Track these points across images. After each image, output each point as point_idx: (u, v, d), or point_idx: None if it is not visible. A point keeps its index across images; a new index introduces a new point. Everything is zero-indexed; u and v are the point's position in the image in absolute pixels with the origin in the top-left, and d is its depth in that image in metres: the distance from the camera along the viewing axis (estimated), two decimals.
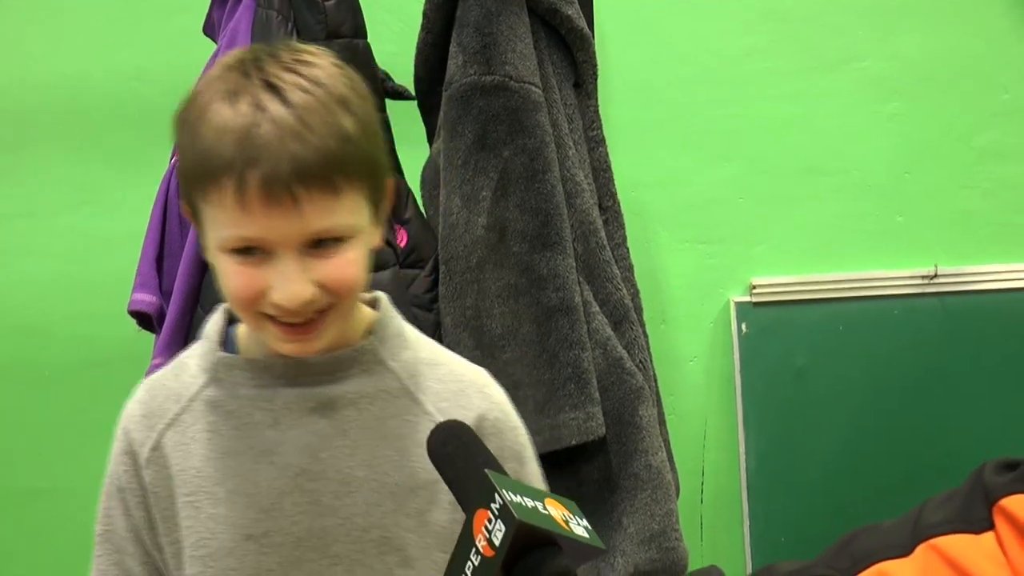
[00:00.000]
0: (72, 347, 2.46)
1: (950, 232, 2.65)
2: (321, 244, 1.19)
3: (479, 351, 2.00)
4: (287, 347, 1.24)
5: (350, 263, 1.21)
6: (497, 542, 0.90)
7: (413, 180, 2.17)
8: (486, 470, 0.96)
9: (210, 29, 2.18)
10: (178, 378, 1.33)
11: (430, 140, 2.21)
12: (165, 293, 2.04)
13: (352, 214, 1.21)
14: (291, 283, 1.17)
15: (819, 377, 2.64)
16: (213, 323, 1.35)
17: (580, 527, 0.95)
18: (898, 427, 2.62)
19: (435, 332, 2.05)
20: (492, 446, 1.32)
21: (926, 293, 2.63)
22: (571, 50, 2.13)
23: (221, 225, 1.18)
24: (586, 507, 2.05)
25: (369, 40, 2.08)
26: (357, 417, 1.29)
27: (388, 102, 2.15)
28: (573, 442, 2.00)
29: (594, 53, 2.17)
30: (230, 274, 1.20)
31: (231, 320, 1.36)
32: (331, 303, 1.21)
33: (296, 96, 1.17)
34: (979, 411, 2.62)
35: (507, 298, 2.00)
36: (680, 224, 2.66)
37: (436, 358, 1.37)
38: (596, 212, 2.11)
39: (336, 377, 1.29)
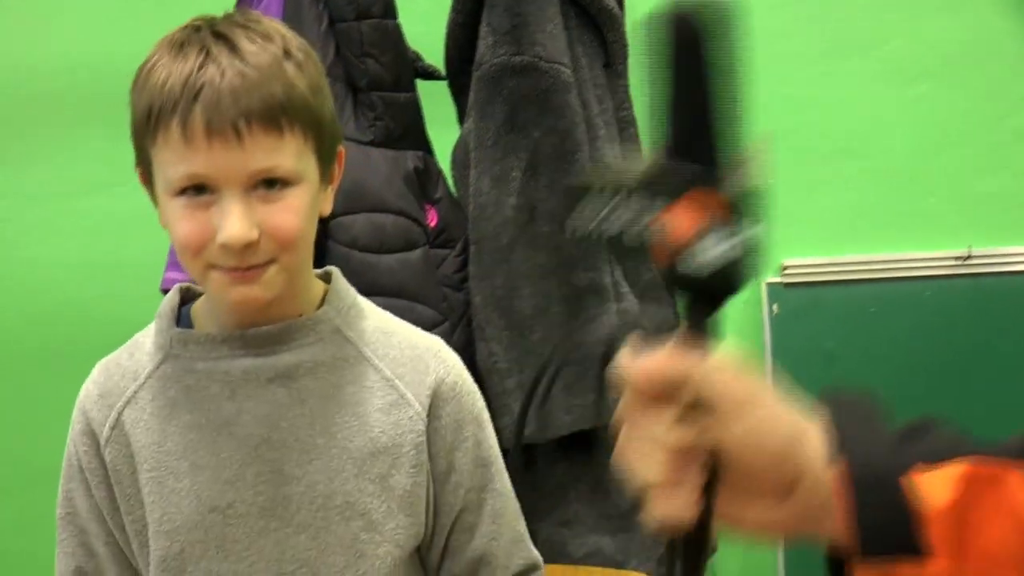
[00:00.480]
0: (104, 327, 2.48)
1: (984, 213, 2.63)
2: (266, 187, 1.20)
3: (508, 331, 2.00)
4: (233, 293, 1.23)
5: (294, 210, 1.22)
6: (701, 269, 0.67)
7: (444, 160, 2.17)
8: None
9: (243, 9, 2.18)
10: (133, 357, 1.34)
11: (461, 120, 2.21)
12: None
13: (296, 159, 1.22)
14: (236, 222, 1.18)
15: (850, 358, 2.63)
16: (167, 302, 1.36)
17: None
18: (930, 409, 2.59)
19: (465, 312, 2.05)
20: (451, 409, 1.34)
21: (959, 274, 2.61)
22: (601, 30, 2.12)
23: (168, 166, 1.20)
24: (615, 492, 2.06)
25: (400, 20, 2.08)
26: (315, 385, 1.29)
27: (419, 82, 2.15)
28: (602, 423, 2.00)
29: (624, 33, 2.16)
30: (178, 220, 1.21)
31: (185, 300, 1.37)
32: (274, 255, 1.22)
33: (245, 45, 1.20)
34: (1013, 393, 2.60)
35: (537, 278, 2.00)
36: None
37: (390, 327, 1.38)
38: None
39: (292, 347, 1.30)
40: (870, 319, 2.63)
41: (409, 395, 1.33)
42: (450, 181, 2.17)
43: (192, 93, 1.17)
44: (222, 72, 1.17)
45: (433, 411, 1.34)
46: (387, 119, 2.01)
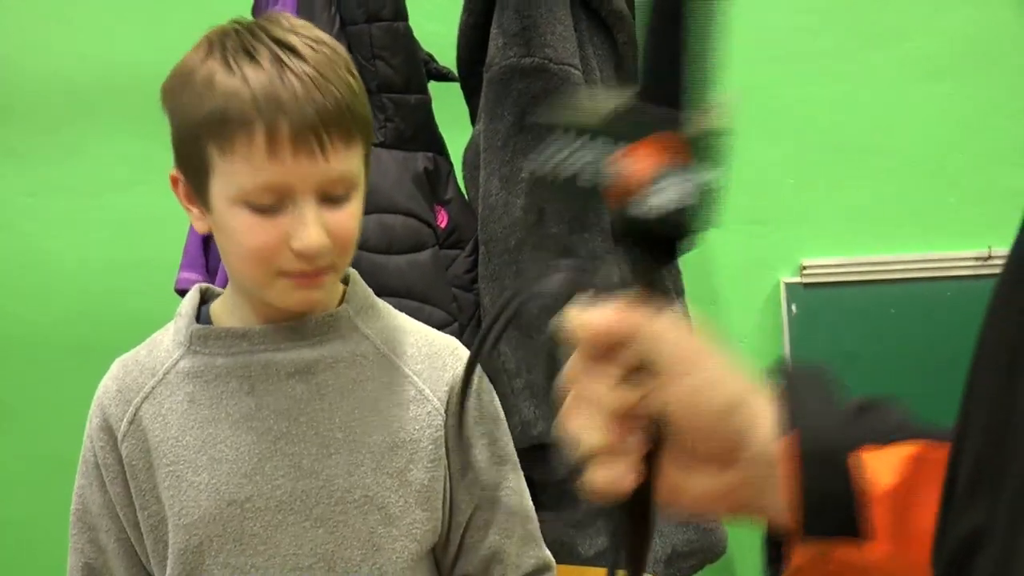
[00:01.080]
0: (127, 323, 2.51)
1: (1004, 213, 2.59)
2: (333, 195, 1.24)
3: (517, 331, 2.01)
4: (296, 297, 1.27)
5: (355, 216, 1.27)
6: (651, 212, 0.65)
7: (455, 161, 2.19)
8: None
9: (258, 11, 2.20)
10: (151, 353, 1.36)
11: (473, 121, 2.22)
12: (211, 272, 2.08)
13: (359, 165, 1.27)
14: (315, 229, 1.21)
15: (870, 360, 2.61)
16: (187, 301, 1.38)
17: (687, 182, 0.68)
18: (950, 412, 2.59)
19: (475, 312, 2.06)
20: (470, 406, 1.36)
21: (980, 275, 2.59)
22: (612, 32, 2.13)
23: (243, 175, 1.21)
24: None
25: (411, 20, 2.09)
26: (334, 381, 1.31)
27: (433, 83, 2.17)
28: None
29: (635, 34, 2.16)
30: (246, 228, 1.22)
31: (204, 300, 1.39)
32: (335, 260, 1.26)
33: (308, 52, 1.23)
34: None
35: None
36: (729, 204, 2.63)
37: (407, 326, 1.41)
38: None
39: (312, 342, 1.32)
40: (890, 320, 2.62)
41: (427, 391, 1.35)
42: (461, 182, 2.18)
43: (276, 104, 1.18)
44: (302, 83, 1.20)
45: (451, 408, 1.36)
46: (397, 121, 2.02)
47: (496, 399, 1.43)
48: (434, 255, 2.03)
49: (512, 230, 2.02)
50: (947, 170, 2.62)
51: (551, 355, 0.59)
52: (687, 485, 0.70)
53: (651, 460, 0.69)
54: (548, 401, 2.01)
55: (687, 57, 0.66)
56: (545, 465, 2.05)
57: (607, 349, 0.67)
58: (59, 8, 2.61)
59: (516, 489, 1.42)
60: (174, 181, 1.31)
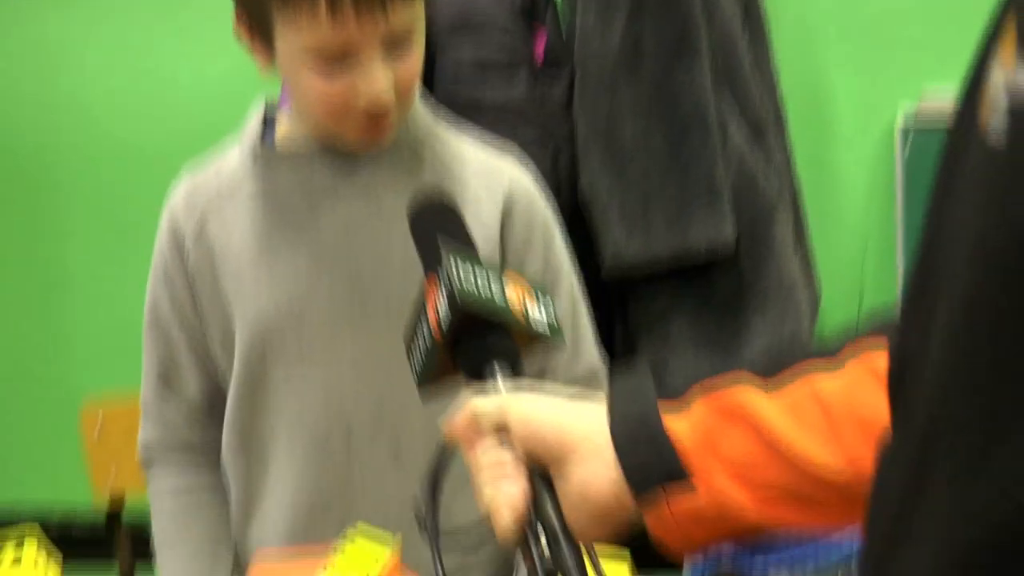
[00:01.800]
0: None
1: None
2: (396, 45, 1.26)
3: (611, 157, 2.02)
4: (362, 142, 1.32)
5: (417, 61, 1.30)
6: (441, 318, 0.91)
7: None
8: (439, 239, 0.98)
9: None
10: (218, 173, 1.41)
11: None
12: None
13: (421, 12, 1.29)
14: (379, 82, 1.25)
15: None
16: (251, 124, 1.41)
17: (540, 313, 0.92)
18: None
19: (570, 135, 2.06)
20: (521, 210, 1.40)
21: None
22: None
23: (308, 36, 1.24)
24: (715, 322, 2.08)
25: None
26: (393, 202, 1.34)
27: None
28: (702, 255, 2.02)
29: None
30: (315, 84, 1.27)
31: (268, 118, 1.42)
32: (398, 104, 1.29)
33: None
34: None
35: (640, 111, 2.00)
36: (846, 39, 2.57)
37: (467, 154, 1.43)
38: (736, 28, 2.07)
39: (373, 167, 1.36)
40: None
41: (483, 212, 1.38)
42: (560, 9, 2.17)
43: None
44: None
45: (505, 218, 1.39)
46: None
47: (550, 213, 1.45)
48: (529, 76, 2.03)
49: (607, 59, 2.01)
50: None
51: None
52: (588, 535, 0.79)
53: (544, 503, 0.80)
54: (641, 224, 2.02)
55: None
56: None
57: (470, 432, 0.84)
58: None
59: (569, 296, 1.45)
60: (243, 30, 1.33)
